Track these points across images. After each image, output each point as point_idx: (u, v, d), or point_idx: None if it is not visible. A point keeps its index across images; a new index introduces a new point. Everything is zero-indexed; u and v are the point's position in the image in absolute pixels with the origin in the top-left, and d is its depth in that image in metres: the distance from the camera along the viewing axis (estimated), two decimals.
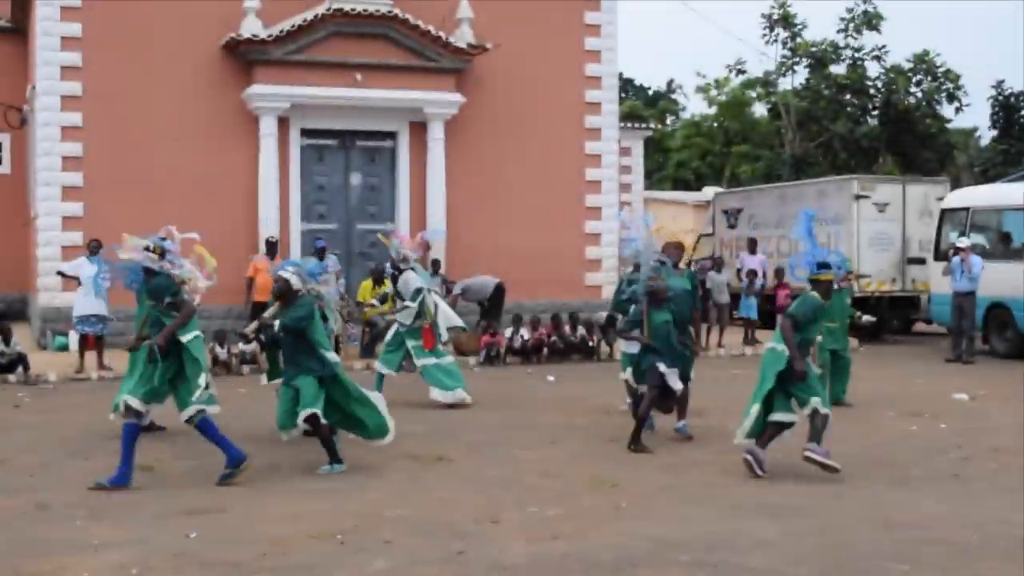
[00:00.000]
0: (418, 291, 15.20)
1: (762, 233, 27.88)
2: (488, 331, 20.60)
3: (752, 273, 24.42)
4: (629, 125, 38.00)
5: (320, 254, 20.21)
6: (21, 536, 8.47)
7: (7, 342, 18.11)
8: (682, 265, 14.55)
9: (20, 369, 18.08)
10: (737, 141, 52.02)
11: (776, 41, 43.90)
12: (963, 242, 21.58)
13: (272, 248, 21.17)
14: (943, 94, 42.73)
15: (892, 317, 26.63)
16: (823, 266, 10.97)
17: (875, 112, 43.70)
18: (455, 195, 23.98)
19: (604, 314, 22.63)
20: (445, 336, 15.96)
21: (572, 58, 25.46)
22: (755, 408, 10.76)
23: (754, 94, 51.25)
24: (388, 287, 19.58)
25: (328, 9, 22.87)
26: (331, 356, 11.10)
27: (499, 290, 22.12)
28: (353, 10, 23.02)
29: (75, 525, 8.79)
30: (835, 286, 13.78)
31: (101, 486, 9.99)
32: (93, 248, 18.16)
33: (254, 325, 11.33)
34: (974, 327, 21.80)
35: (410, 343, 15.38)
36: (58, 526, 8.77)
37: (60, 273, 19.68)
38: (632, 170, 37.26)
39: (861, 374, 16.93)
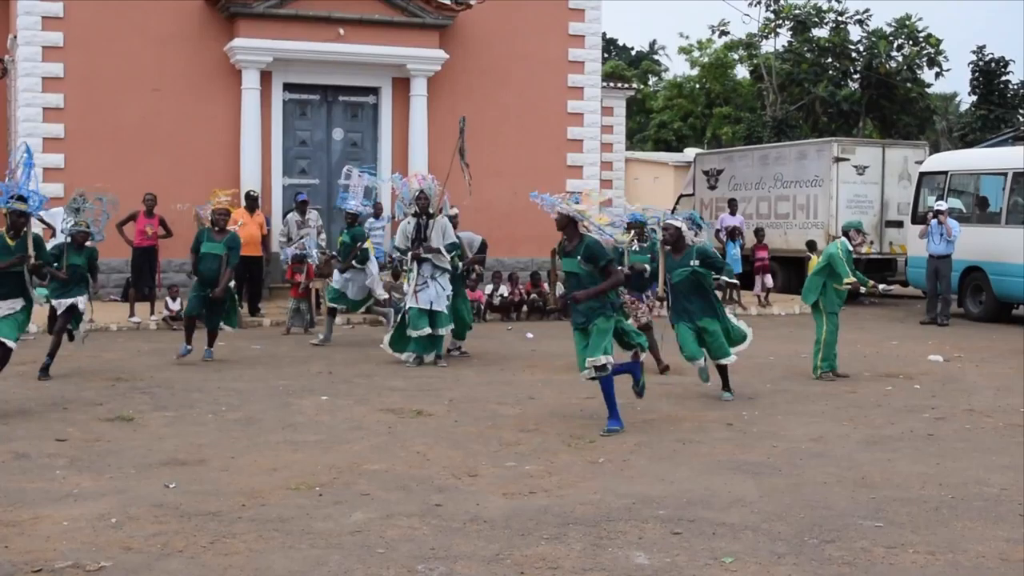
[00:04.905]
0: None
1: (742, 194, 27.95)
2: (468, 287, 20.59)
3: (734, 231, 24.39)
4: (611, 85, 37.94)
5: (302, 208, 20.16)
6: None
7: None
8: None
9: None
10: (719, 103, 51.88)
11: (760, 3, 43.83)
12: (941, 205, 21.67)
13: (253, 202, 20.83)
14: (924, 59, 42.80)
15: (869, 279, 26.70)
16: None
17: (856, 76, 43.75)
18: (437, 151, 23.87)
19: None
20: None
21: (556, 16, 25.37)
22: None
23: (737, 56, 51.17)
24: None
25: None
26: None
27: (482, 246, 22.15)
28: None
29: (54, 475, 8.80)
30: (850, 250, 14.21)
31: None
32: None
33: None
34: (950, 290, 21.92)
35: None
36: (36, 476, 8.77)
37: (39, 219, 19.49)
38: (614, 130, 37.24)
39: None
